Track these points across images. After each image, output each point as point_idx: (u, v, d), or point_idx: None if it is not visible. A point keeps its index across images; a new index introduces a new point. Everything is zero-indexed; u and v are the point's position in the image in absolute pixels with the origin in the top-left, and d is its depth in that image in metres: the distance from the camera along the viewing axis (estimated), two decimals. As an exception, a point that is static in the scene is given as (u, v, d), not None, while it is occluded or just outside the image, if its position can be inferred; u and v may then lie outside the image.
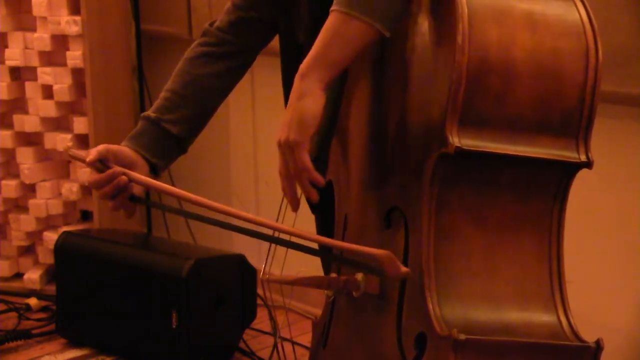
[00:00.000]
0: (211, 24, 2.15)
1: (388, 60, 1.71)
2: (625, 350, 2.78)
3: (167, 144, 2.06)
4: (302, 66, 1.60)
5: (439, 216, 1.57)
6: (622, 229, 2.76)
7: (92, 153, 1.88)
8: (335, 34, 1.58)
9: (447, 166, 1.53)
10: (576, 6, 1.57)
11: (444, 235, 1.57)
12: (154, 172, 2.04)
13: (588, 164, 1.56)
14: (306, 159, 1.61)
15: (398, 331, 1.64)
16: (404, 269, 1.59)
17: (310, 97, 1.59)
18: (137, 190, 1.92)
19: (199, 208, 1.78)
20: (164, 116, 2.06)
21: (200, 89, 2.09)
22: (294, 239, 1.69)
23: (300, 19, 2.03)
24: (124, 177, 1.85)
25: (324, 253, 1.72)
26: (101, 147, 1.90)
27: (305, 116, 1.59)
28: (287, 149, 1.63)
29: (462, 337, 1.48)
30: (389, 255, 1.59)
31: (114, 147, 1.95)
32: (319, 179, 1.64)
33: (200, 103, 2.10)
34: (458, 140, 1.50)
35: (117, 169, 1.86)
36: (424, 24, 1.62)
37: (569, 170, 1.58)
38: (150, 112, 2.07)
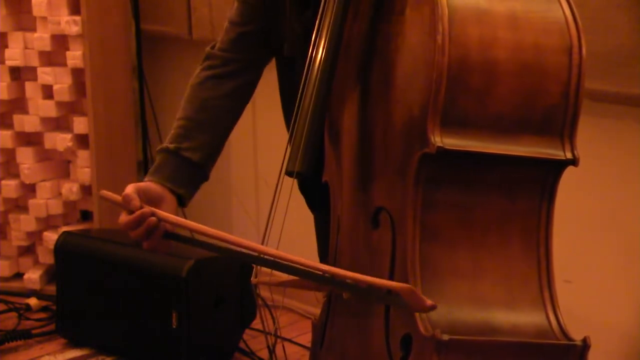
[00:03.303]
0: (212, 47, 2.12)
1: (374, 61, 1.70)
2: (625, 351, 2.77)
3: (189, 172, 2.02)
4: None
5: (425, 216, 1.56)
6: (623, 229, 2.75)
7: (131, 195, 1.81)
8: None
9: (431, 166, 1.53)
10: (560, 3, 1.56)
11: (429, 236, 1.56)
12: (181, 202, 2.00)
13: (574, 162, 1.55)
14: None
15: (385, 332, 1.64)
16: (429, 302, 1.45)
17: None
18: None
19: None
20: (182, 145, 2.02)
21: (213, 112, 2.06)
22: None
23: (289, 31, 2.02)
24: (153, 218, 1.77)
25: (336, 283, 1.65)
26: (131, 188, 1.83)
27: None
28: None
29: (446, 337, 1.47)
30: (410, 288, 1.46)
31: (142, 185, 1.90)
32: None
33: (216, 126, 2.07)
34: (440, 140, 1.49)
35: (146, 209, 1.78)
36: (406, 24, 1.61)
37: (555, 168, 1.57)
38: (167, 144, 2.03)
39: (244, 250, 1.68)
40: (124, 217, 1.81)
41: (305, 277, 1.64)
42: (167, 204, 1.92)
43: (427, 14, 1.53)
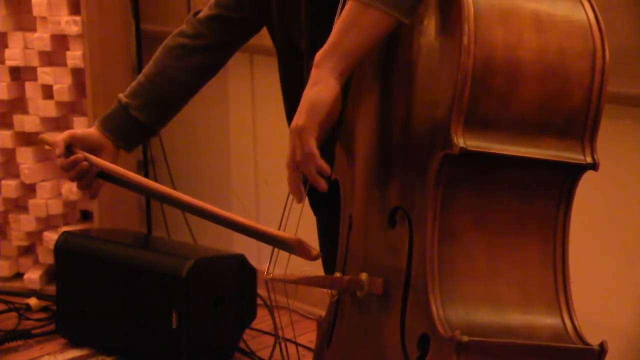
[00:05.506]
0: (195, 13, 2.18)
1: (394, 61, 1.70)
2: (625, 351, 2.78)
3: (133, 129, 2.16)
4: (317, 55, 1.61)
5: (443, 217, 1.56)
6: (622, 229, 2.76)
7: (59, 142, 2.05)
8: (352, 23, 1.58)
9: (452, 167, 1.53)
10: (583, 7, 1.56)
11: (447, 237, 1.56)
12: (123, 149, 2.19)
13: (594, 166, 1.56)
14: (312, 145, 1.60)
15: (401, 332, 1.64)
16: (314, 252, 1.67)
17: (323, 84, 1.60)
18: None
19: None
20: (132, 102, 2.14)
21: (170, 82, 2.16)
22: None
23: (299, 29, 2.02)
24: (85, 163, 2.03)
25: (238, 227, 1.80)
26: (66, 135, 2.06)
27: (315, 103, 1.60)
28: (296, 134, 1.62)
29: (466, 339, 1.47)
30: (299, 241, 1.66)
31: (80, 132, 2.12)
32: (325, 166, 1.63)
33: (168, 95, 2.18)
34: (463, 141, 1.50)
35: (79, 155, 2.04)
36: (429, 24, 1.61)
37: (575, 171, 1.57)
38: (124, 95, 2.17)
39: (159, 191, 1.97)
40: (60, 160, 2.06)
41: (198, 215, 1.87)
42: (107, 152, 2.13)
43: (452, 14, 1.53)
